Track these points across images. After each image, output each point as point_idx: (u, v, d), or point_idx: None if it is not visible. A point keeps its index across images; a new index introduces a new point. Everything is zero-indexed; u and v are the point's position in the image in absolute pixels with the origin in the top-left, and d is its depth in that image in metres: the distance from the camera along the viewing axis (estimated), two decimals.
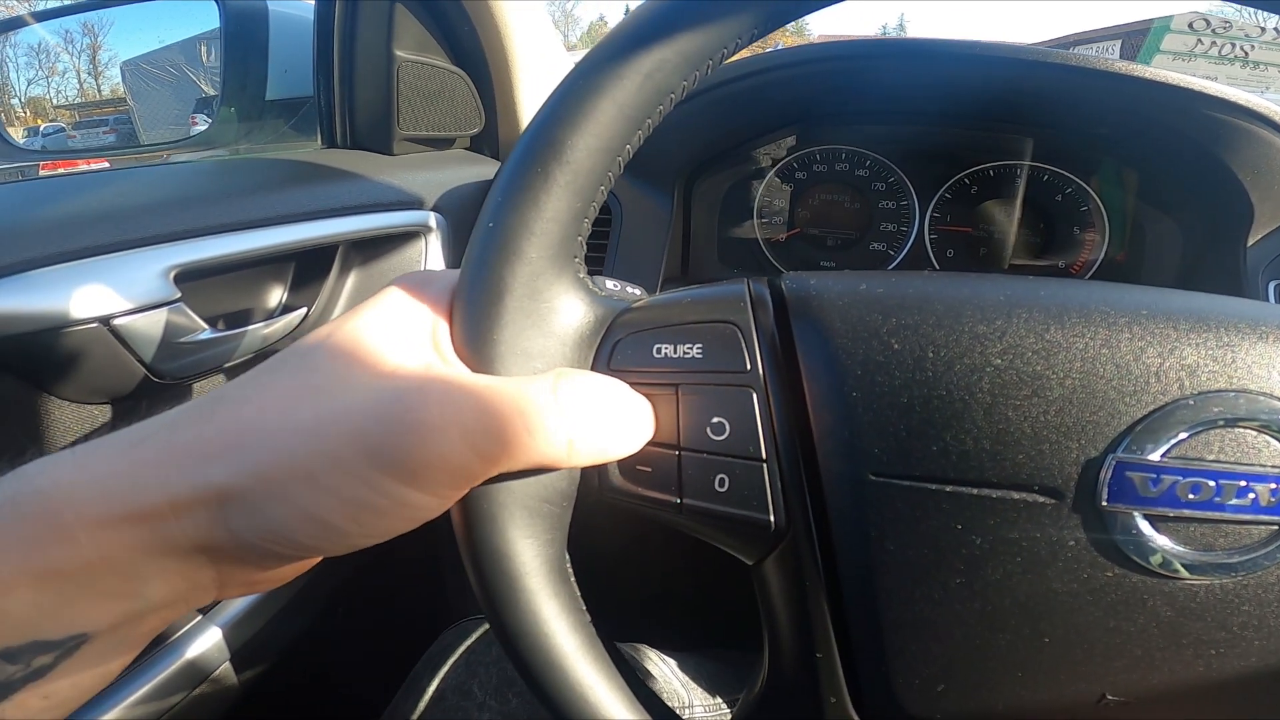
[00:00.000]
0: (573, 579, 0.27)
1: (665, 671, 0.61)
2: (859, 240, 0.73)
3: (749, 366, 0.25)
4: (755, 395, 0.24)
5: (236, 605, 0.49)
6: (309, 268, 0.55)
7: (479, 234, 0.25)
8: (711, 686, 0.61)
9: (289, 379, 0.22)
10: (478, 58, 0.68)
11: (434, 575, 0.73)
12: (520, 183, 0.24)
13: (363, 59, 0.61)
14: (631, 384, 0.26)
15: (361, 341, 0.23)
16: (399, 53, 0.61)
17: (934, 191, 0.70)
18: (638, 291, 0.32)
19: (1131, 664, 0.23)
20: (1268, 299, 0.59)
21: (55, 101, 1.21)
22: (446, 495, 0.22)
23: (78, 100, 1.21)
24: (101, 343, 0.41)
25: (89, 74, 1.19)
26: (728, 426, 0.25)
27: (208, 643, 0.47)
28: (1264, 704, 0.23)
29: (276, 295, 0.53)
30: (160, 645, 0.46)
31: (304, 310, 0.53)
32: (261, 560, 0.21)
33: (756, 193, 0.73)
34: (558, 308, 0.26)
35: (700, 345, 0.25)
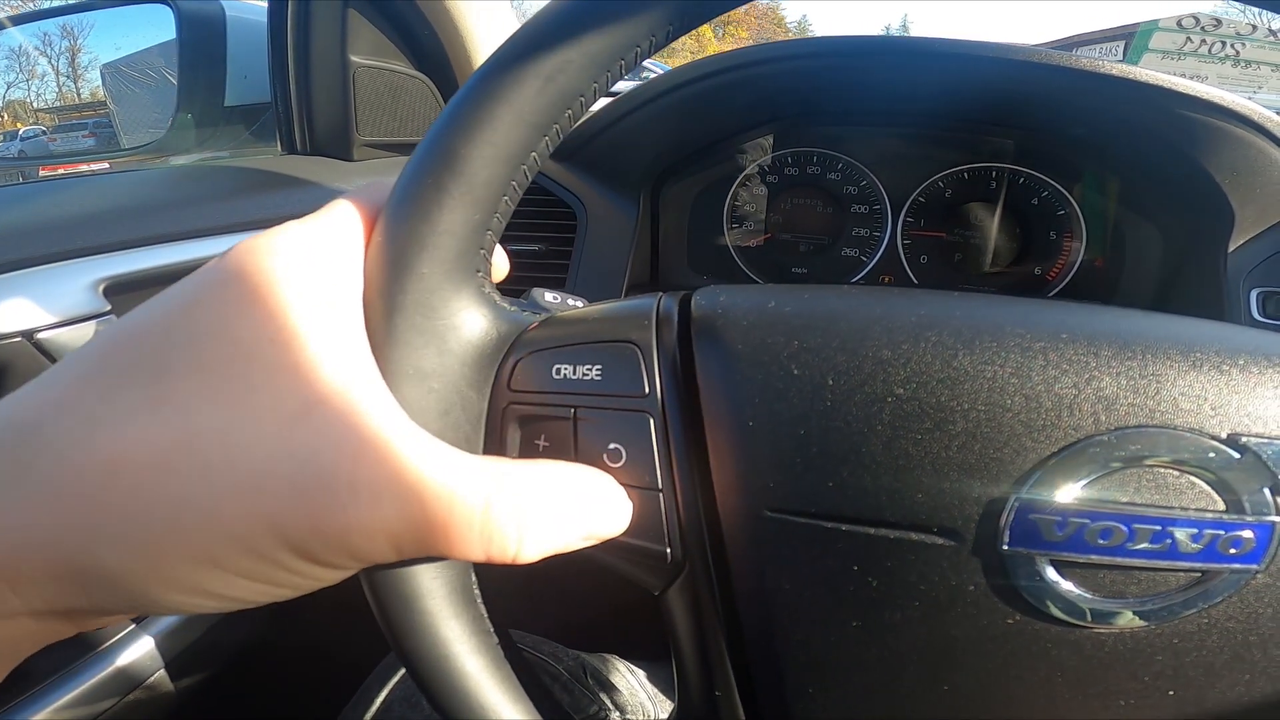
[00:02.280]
0: (479, 601, 0.25)
1: (633, 683, 0.60)
2: (832, 246, 0.71)
3: (647, 390, 0.23)
4: (653, 421, 0.23)
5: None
6: None
7: (369, 249, 0.23)
8: None
9: (158, 414, 0.17)
10: (440, 61, 0.67)
11: None
12: (410, 195, 0.23)
13: (318, 65, 0.60)
14: (529, 404, 0.25)
15: (258, 349, 0.18)
16: (354, 58, 0.60)
17: (907, 196, 0.68)
18: (578, 304, 0.30)
19: (1036, 713, 0.21)
20: (1249, 306, 0.57)
21: (35, 105, 1.21)
22: (351, 571, 0.20)
23: (57, 104, 1.21)
24: (25, 356, 0.40)
25: (68, 77, 1.19)
26: (624, 453, 0.23)
27: (140, 650, 0.46)
28: None
29: None
30: (90, 651, 0.45)
31: None
32: (126, 615, 0.19)
33: (727, 197, 0.72)
34: (456, 325, 0.24)
35: (600, 366, 0.24)
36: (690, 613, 0.24)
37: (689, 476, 0.23)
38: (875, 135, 0.69)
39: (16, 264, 0.41)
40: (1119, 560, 0.19)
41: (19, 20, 0.90)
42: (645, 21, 0.22)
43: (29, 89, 1.21)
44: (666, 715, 0.57)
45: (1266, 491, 0.19)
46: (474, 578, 0.26)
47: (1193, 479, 0.19)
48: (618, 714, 0.55)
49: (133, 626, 0.47)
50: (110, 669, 0.45)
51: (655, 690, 0.60)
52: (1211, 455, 0.19)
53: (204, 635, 0.50)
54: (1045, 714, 0.21)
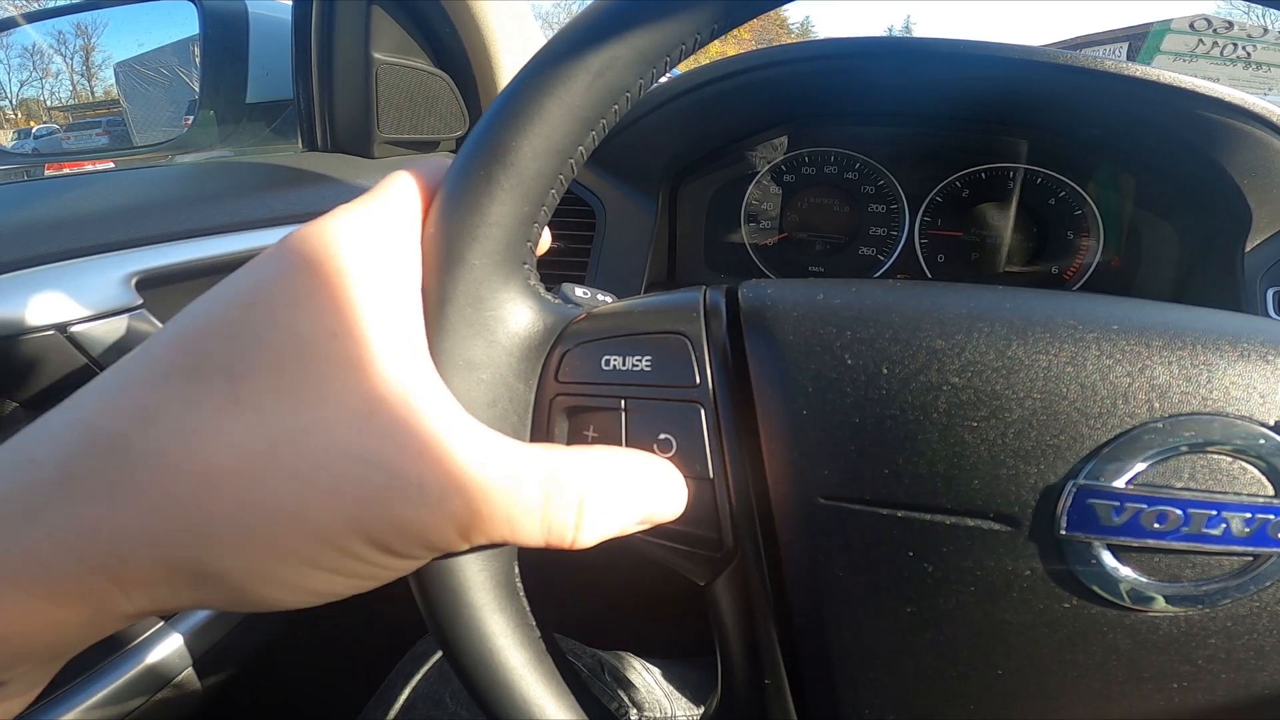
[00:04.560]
0: (522, 594, 0.26)
1: (649, 680, 0.60)
2: (848, 245, 0.71)
3: (698, 381, 0.24)
4: (704, 411, 0.23)
5: (198, 613, 0.49)
6: None
7: (422, 240, 0.24)
8: (696, 696, 0.60)
9: (240, 419, 0.17)
10: (460, 59, 0.67)
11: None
12: (462, 186, 0.23)
13: (341, 62, 0.61)
14: (577, 395, 0.25)
15: (330, 350, 0.18)
16: (377, 55, 0.60)
17: (924, 195, 0.68)
18: (608, 299, 0.31)
19: (1089, 698, 0.21)
20: (1266, 306, 0.57)
21: (49, 103, 1.21)
22: (425, 560, 0.21)
23: (71, 102, 1.21)
24: (58, 350, 0.40)
25: (82, 75, 1.19)
26: (674, 443, 0.23)
27: (169, 648, 0.47)
28: None
29: None
30: (120, 650, 0.45)
31: None
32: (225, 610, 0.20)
33: (744, 195, 0.72)
34: (504, 316, 0.25)
35: (649, 357, 0.24)
36: (739, 602, 0.24)
37: (740, 466, 0.23)
38: (892, 135, 0.69)
39: (49, 257, 0.41)
40: (1174, 545, 0.20)
41: (38, 17, 0.90)
42: (691, 20, 0.23)
43: (42, 87, 1.21)
44: (683, 712, 0.58)
45: None
46: (517, 572, 0.26)
47: (1244, 465, 0.20)
48: (635, 711, 0.55)
49: (161, 624, 0.48)
50: (140, 667, 0.46)
51: (670, 688, 0.60)
52: (1261, 442, 0.20)
53: (230, 633, 0.50)
54: (1099, 698, 0.21)
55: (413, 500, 0.18)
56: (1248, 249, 0.58)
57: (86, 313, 0.40)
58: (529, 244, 0.25)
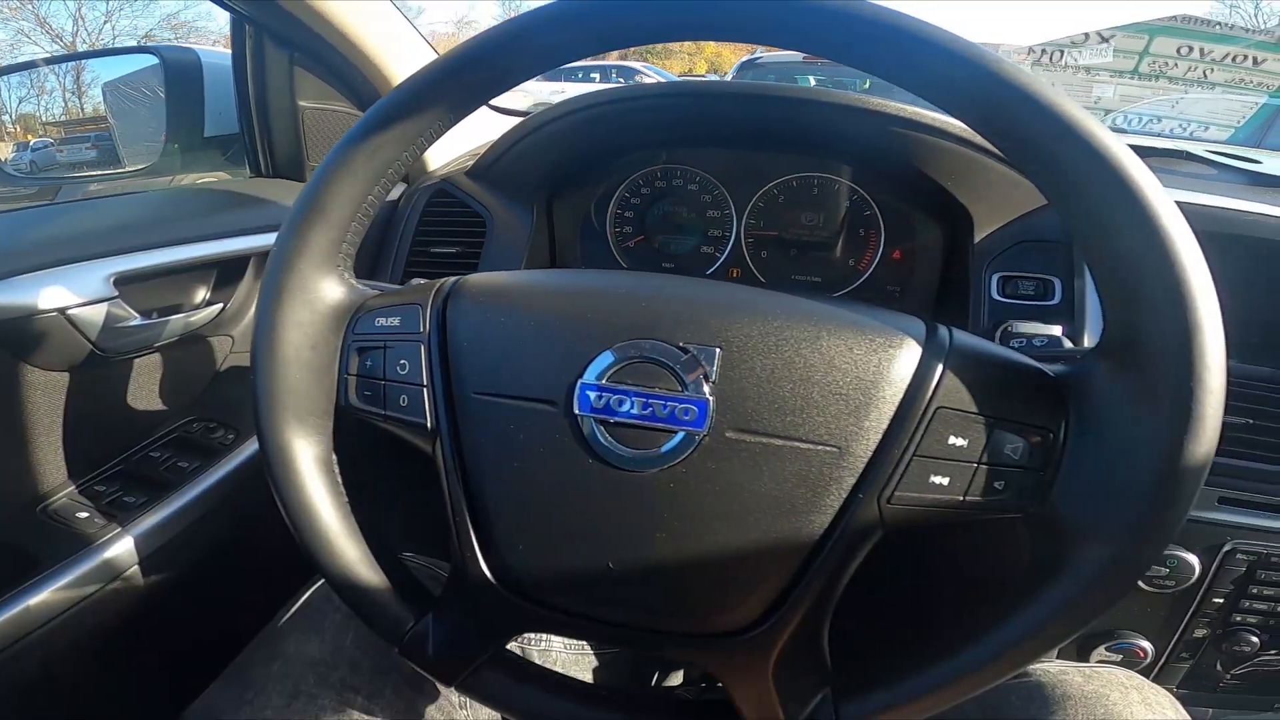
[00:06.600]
0: (336, 470, 0.43)
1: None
2: (694, 245, 0.86)
3: (423, 329, 0.41)
4: (424, 347, 0.41)
5: (151, 519, 0.64)
6: (228, 274, 0.71)
7: (270, 254, 0.41)
8: None
9: None
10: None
11: None
12: (293, 223, 0.41)
13: (274, 107, 0.77)
14: (362, 342, 0.42)
15: None
16: (302, 103, 0.77)
17: (748, 202, 0.83)
18: (395, 287, 0.48)
19: (613, 543, 0.33)
20: (990, 288, 0.72)
21: (44, 119, 1.38)
22: None
23: (64, 118, 1.37)
24: (59, 327, 0.57)
25: (73, 93, 1.36)
26: (408, 366, 0.41)
27: (122, 548, 0.60)
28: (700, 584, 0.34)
29: (201, 294, 0.70)
30: (81, 549, 0.59)
31: (221, 305, 0.70)
32: None
33: (609, 207, 0.88)
34: (322, 296, 0.42)
35: (399, 318, 0.42)
36: (442, 461, 0.39)
37: (443, 378, 0.40)
38: (724, 155, 0.82)
39: (54, 263, 0.58)
40: (629, 421, 0.35)
41: (9, 71, 1.05)
42: (429, 118, 0.40)
43: (38, 103, 1.38)
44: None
45: (700, 377, 0.35)
46: (335, 459, 0.43)
47: (661, 370, 0.35)
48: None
49: (118, 529, 0.62)
50: (96, 561, 0.59)
51: None
52: (682, 356, 0.35)
53: (176, 538, 0.65)
54: (615, 543, 0.33)
55: None
56: (976, 240, 0.71)
57: (80, 301, 0.58)
58: (342, 254, 0.42)
